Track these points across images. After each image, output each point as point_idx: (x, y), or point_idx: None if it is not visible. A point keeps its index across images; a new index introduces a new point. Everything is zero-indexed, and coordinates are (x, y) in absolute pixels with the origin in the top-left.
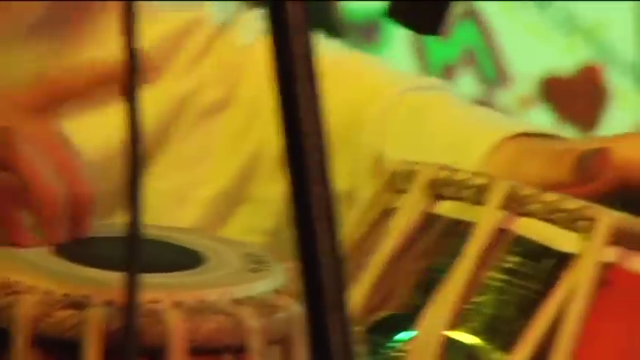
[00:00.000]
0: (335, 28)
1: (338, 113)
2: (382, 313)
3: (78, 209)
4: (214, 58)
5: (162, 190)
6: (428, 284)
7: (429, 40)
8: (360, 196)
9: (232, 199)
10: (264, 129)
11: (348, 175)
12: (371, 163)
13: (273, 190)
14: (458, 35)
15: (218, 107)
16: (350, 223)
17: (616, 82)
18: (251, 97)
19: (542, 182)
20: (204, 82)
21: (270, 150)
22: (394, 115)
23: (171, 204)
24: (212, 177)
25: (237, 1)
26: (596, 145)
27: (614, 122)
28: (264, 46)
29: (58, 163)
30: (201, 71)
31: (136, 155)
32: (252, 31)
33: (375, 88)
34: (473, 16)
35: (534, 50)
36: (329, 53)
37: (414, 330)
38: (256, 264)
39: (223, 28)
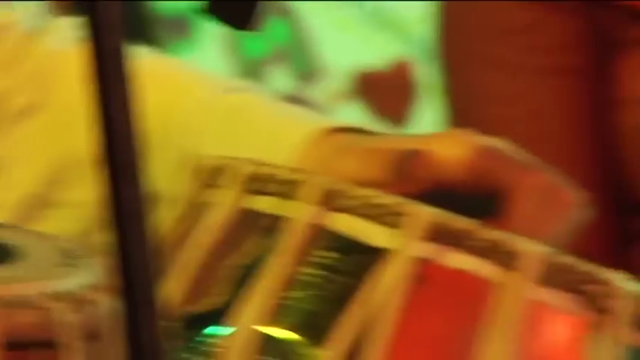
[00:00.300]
0: (144, 24)
1: (150, 115)
2: (198, 309)
3: None
4: (24, 64)
5: None
6: (244, 280)
7: (242, 35)
8: (172, 195)
9: (40, 203)
10: (75, 134)
11: (162, 175)
12: (184, 164)
13: (83, 194)
14: (271, 31)
15: (28, 112)
16: (165, 220)
17: (426, 77)
18: (63, 103)
19: (358, 180)
20: (13, 87)
21: (80, 155)
22: (207, 115)
23: None
24: (19, 181)
25: (50, 7)
26: (412, 145)
27: (425, 117)
28: (77, 52)
29: None
30: (10, 77)
31: None
32: (65, 37)
33: (187, 90)
34: (286, 12)
35: (347, 45)
36: (140, 56)
37: (230, 325)
38: (70, 259)
39: (34, 33)
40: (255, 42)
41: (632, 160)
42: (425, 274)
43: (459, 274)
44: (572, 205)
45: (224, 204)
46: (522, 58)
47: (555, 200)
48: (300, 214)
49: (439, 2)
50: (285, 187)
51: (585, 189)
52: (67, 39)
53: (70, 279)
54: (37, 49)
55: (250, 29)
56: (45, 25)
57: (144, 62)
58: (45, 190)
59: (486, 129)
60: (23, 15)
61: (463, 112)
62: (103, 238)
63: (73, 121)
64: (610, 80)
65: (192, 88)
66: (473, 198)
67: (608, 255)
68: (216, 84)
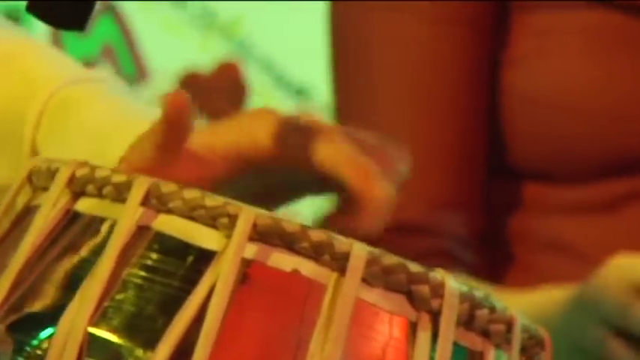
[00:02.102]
0: None
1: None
2: (24, 312)
3: None
4: None
5: None
6: (71, 282)
7: (68, 35)
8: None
9: None
10: None
11: (11, 169)
12: (25, 157)
13: None
14: (97, 30)
15: None
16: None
17: (253, 78)
18: None
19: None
20: None
21: None
22: (48, 110)
23: None
24: None
25: None
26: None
27: None
28: None
29: None
30: None
31: None
32: None
33: (36, 81)
34: (111, 12)
35: (171, 47)
36: None
37: (57, 327)
38: None
39: None
40: (81, 41)
41: (505, 120)
42: (251, 275)
43: (287, 276)
44: (390, 165)
45: (49, 206)
46: (419, 5)
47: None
48: (125, 215)
49: None
50: (110, 189)
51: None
52: None
53: None
54: None
55: (75, 28)
56: None
57: None
58: None
59: (376, 73)
60: None
61: (351, 58)
62: None
63: None
64: (500, 41)
65: (42, 80)
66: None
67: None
68: (67, 74)
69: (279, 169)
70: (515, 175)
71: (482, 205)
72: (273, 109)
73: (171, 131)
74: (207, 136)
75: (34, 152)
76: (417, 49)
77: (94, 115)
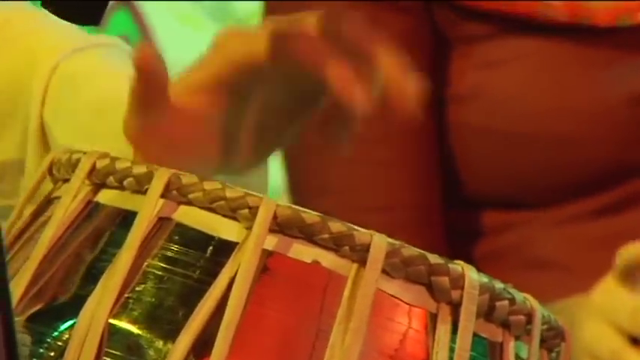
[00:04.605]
0: None
1: (4, 83)
2: (45, 304)
3: None
4: None
5: None
6: (91, 273)
7: (84, 29)
8: (29, 167)
9: None
10: None
11: (18, 145)
12: (39, 134)
13: None
14: (112, 24)
15: None
16: (12, 212)
17: None
18: None
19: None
20: None
21: None
22: (52, 84)
23: None
24: None
25: None
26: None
27: None
28: None
29: None
30: None
31: None
32: None
33: (38, 54)
34: (127, 6)
35: (187, 40)
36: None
37: (78, 319)
38: None
39: None
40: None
41: (460, 156)
42: (271, 266)
43: (307, 267)
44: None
45: (70, 197)
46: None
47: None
48: (146, 207)
49: None
50: (132, 180)
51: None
52: None
53: None
54: None
55: (90, 23)
56: None
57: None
58: None
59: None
60: None
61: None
62: None
63: None
64: (443, 78)
65: (44, 52)
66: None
67: (442, 249)
68: (69, 44)
69: (282, 77)
70: (478, 204)
71: (441, 244)
72: (236, 28)
73: (148, 82)
74: (193, 75)
75: (43, 127)
76: None
77: (98, 88)
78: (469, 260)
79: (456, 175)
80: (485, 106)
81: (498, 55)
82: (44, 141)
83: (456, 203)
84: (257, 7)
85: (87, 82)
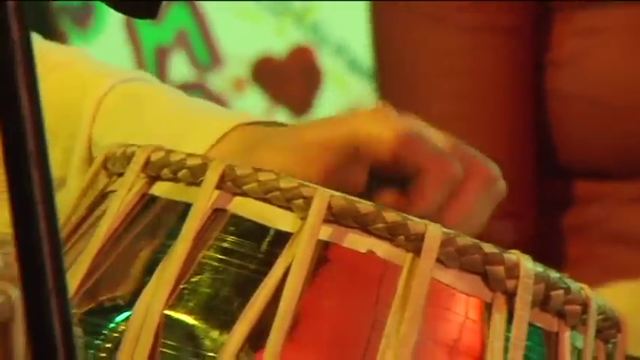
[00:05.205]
0: (46, 13)
1: (50, 104)
2: (101, 295)
3: None
4: None
5: None
6: (147, 265)
7: (142, 23)
8: (72, 184)
9: None
10: None
11: (59, 163)
12: (86, 152)
13: None
14: (171, 17)
15: None
16: (66, 208)
17: (327, 62)
18: None
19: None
20: None
21: None
22: (108, 105)
23: None
24: None
25: None
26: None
27: (327, 103)
28: None
29: None
30: None
31: None
32: None
33: (87, 79)
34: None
35: (246, 32)
36: (40, 46)
37: (134, 310)
38: None
39: None
40: (154, 29)
41: (555, 123)
42: (326, 256)
43: (362, 257)
44: (489, 182)
45: (125, 190)
46: (460, 14)
47: (469, 184)
48: (201, 199)
49: None
50: (187, 172)
51: (514, 150)
52: None
53: None
54: None
55: (150, 17)
56: None
57: (43, 51)
58: None
59: (418, 85)
60: None
61: (395, 70)
62: (7, 231)
63: None
64: (543, 43)
65: (93, 78)
66: (387, 179)
67: (533, 217)
68: (115, 74)
69: (385, 170)
70: (568, 173)
71: (533, 211)
72: (391, 110)
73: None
74: (321, 128)
75: (90, 146)
76: (460, 59)
77: (168, 110)
78: (557, 231)
79: (550, 142)
80: (582, 73)
81: (599, 22)
82: (90, 158)
83: (546, 172)
84: (314, 2)
85: (151, 101)
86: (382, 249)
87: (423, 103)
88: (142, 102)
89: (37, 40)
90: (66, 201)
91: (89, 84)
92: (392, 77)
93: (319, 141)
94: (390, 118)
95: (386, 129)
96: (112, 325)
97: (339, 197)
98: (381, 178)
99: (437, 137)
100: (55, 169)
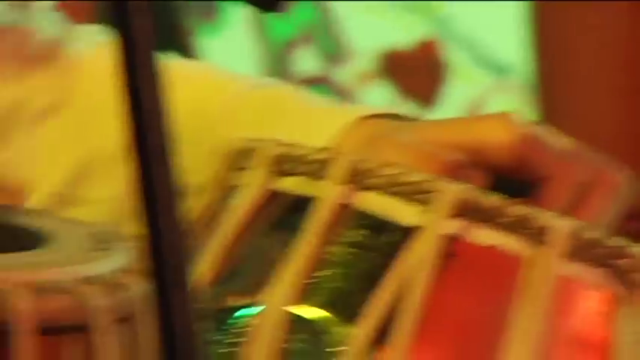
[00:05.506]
0: (171, 9)
1: (184, 109)
2: (226, 289)
3: None
4: (48, 68)
5: None
6: (272, 259)
7: (269, 17)
8: (202, 187)
9: (65, 201)
10: (97, 133)
11: (203, 167)
12: (215, 158)
13: (106, 191)
14: (297, 12)
15: (49, 113)
16: (194, 208)
17: (454, 56)
18: (86, 102)
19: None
20: (37, 89)
21: (103, 152)
22: (244, 106)
23: None
24: (42, 181)
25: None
26: (457, 134)
27: (453, 96)
28: (101, 53)
29: None
30: (34, 80)
31: None
32: (89, 42)
33: (220, 84)
34: None
35: (373, 26)
36: (169, 59)
37: (259, 305)
38: (102, 243)
39: (57, 39)
40: (281, 24)
41: None
42: (454, 250)
43: (488, 250)
44: (615, 188)
45: (252, 185)
46: None
47: (595, 191)
48: (328, 193)
49: None
50: (312, 167)
51: None
52: (90, 43)
53: (102, 263)
54: (61, 53)
55: (277, 11)
56: (67, 31)
57: (173, 64)
58: (69, 188)
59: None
60: (44, 22)
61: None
62: (131, 228)
63: (96, 119)
64: None
65: (223, 84)
66: (511, 185)
67: None
68: (245, 81)
69: (503, 180)
70: None
71: None
72: (514, 115)
73: None
74: (445, 129)
75: (220, 151)
76: (618, 41)
77: (295, 110)
78: None
79: None
80: None
81: None
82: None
83: None
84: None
85: (279, 109)
86: (507, 243)
87: (581, 87)
88: (270, 105)
89: (166, 55)
90: (193, 202)
91: (221, 89)
92: (550, 67)
93: (442, 141)
94: (515, 123)
95: (511, 135)
96: (236, 320)
97: (464, 191)
98: (502, 187)
99: (562, 143)
100: (199, 174)
